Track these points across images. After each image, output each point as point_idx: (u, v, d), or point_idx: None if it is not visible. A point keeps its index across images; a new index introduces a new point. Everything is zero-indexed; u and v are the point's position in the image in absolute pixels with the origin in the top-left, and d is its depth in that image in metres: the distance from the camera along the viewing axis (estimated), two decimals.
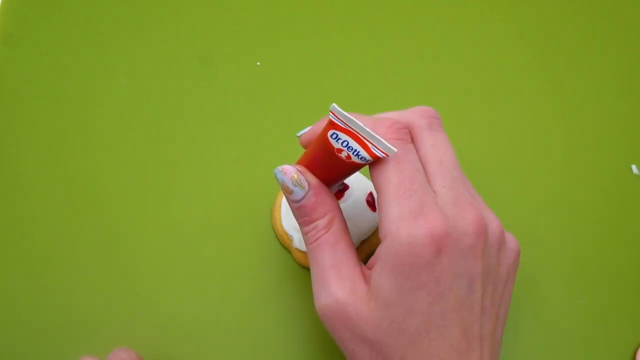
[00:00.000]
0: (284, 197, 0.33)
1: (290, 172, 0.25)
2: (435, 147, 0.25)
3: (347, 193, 0.33)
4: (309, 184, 0.25)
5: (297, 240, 0.32)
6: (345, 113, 0.22)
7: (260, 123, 0.38)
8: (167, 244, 0.33)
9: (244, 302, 0.32)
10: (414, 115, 0.26)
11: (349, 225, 0.32)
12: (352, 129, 0.23)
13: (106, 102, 0.39)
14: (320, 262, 0.25)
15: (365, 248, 0.32)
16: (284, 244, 0.33)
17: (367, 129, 0.22)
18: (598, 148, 0.37)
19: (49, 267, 0.33)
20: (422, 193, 0.23)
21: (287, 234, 0.32)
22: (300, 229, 0.26)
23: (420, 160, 0.24)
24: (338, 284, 0.24)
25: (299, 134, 0.28)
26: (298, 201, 0.25)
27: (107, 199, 0.35)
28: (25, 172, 0.36)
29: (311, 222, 0.25)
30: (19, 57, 0.41)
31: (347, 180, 0.33)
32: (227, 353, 0.31)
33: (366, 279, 0.24)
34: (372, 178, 0.24)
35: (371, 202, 0.33)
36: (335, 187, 0.29)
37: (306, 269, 0.33)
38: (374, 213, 0.33)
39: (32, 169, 0.36)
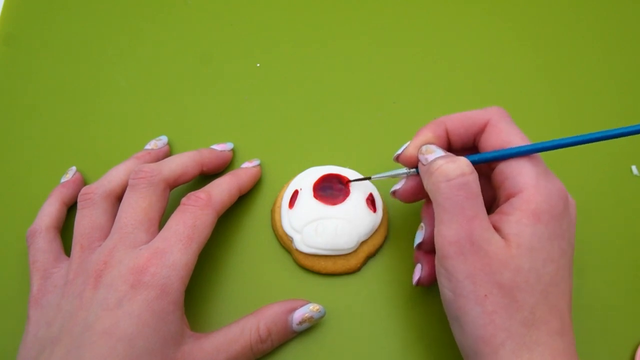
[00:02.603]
0: (283, 197, 0.33)
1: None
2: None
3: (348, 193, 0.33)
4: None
5: (297, 241, 0.32)
6: None
7: (260, 123, 0.38)
8: None
9: (244, 303, 0.32)
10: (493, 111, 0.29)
11: (348, 225, 0.32)
12: None
13: (106, 102, 0.39)
14: (467, 208, 0.25)
15: (365, 249, 0.32)
16: (284, 245, 0.33)
17: None
18: (598, 148, 0.37)
19: None
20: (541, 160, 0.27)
21: (287, 234, 0.32)
22: (436, 167, 0.26)
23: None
24: (481, 227, 0.25)
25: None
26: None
27: None
28: (25, 173, 0.36)
29: (455, 160, 0.26)
30: (19, 57, 0.41)
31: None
32: None
33: (497, 229, 0.25)
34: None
35: (371, 202, 0.33)
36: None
37: (306, 269, 0.33)
38: (374, 213, 0.33)
39: (32, 169, 0.36)
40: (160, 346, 0.25)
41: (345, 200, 0.32)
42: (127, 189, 0.30)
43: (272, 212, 0.34)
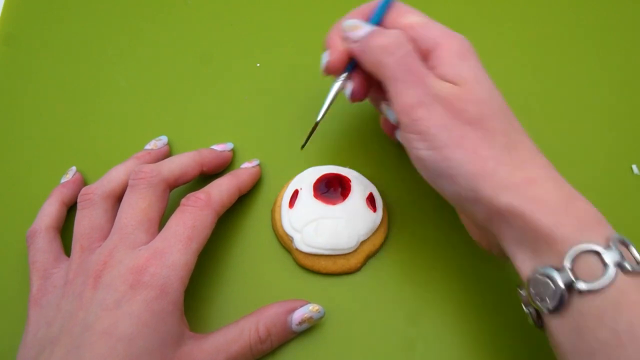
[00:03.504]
0: (284, 197, 0.33)
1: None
2: None
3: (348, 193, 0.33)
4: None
5: (297, 240, 0.32)
6: None
7: (260, 124, 0.38)
8: None
9: (244, 303, 0.32)
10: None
11: (348, 225, 0.32)
12: None
13: (106, 102, 0.39)
14: (415, 70, 0.27)
15: (365, 249, 0.32)
16: (284, 245, 0.33)
17: None
18: (598, 148, 0.37)
19: None
20: None
21: (287, 234, 0.32)
22: (376, 47, 0.28)
23: None
24: (433, 80, 0.26)
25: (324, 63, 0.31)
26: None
27: None
28: (25, 173, 0.36)
29: (390, 34, 0.28)
30: (19, 57, 0.41)
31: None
32: None
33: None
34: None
35: (371, 202, 0.33)
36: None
37: (306, 269, 0.33)
38: (374, 213, 0.33)
39: (32, 169, 0.36)
40: (160, 346, 0.25)
41: (345, 200, 0.32)
42: (127, 189, 0.30)
43: (272, 212, 0.34)
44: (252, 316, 0.29)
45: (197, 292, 0.32)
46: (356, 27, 0.29)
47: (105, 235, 0.29)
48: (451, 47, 0.27)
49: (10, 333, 0.30)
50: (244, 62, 0.40)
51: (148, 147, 0.35)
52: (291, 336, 0.30)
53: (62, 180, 0.34)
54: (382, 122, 0.34)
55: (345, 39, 0.30)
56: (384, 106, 0.30)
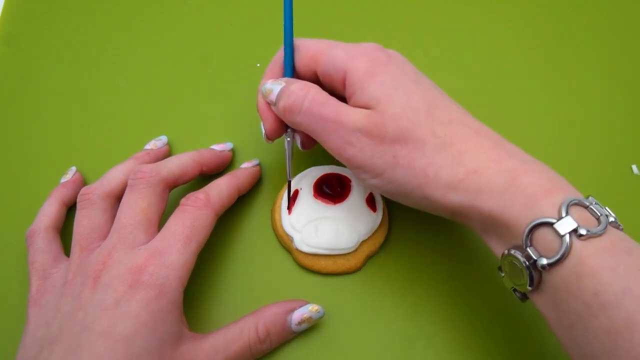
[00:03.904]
0: (284, 197, 0.33)
1: (269, 80, 0.31)
2: None
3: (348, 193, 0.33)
4: (284, 80, 0.30)
5: (297, 240, 0.32)
6: None
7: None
8: None
9: (244, 303, 0.32)
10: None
11: (349, 225, 0.32)
12: None
13: (106, 102, 0.39)
14: (328, 109, 0.27)
15: (366, 249, 0.32)
16: (284, 245, 0.33)
17: None
18: (598, 148, 0.37)
19: None
20: None
21: (287, 234, 0.32)
22: (286, 112, 0.29)
23: None
24: (347, 116, 0.27)
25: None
26: (279, 92, 0.29)
27: None
28: (25, 173, 0.36)
29: (292, 95, 0.28)
30: (19, 57, 0.41)
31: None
32: None
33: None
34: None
35: (371, 202, 0.33)
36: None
37: (306, 269, 0.33)
38: (374, 213, 0.33)
39: (32, 169, 0.36)
40: (158, 346, 0.25)
41: (346, 200, 0.32)
42: (127, 189, 0.30)
43: (272, 212, 0.34)
44: (251, 316, 0.29)
45: (197, 292, 0.32)
46: (269, 92, 0.30)
47: (105, 235, 0.29)
48: (356, 70, 0.27)
49: (10, 333, 0.30)
50: (244, 62, 0.40)
51: (148, 147, 0.35)
52: (291, 336, 0.30)
53: (62, 180, 0.34)
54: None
55: (272, 106, 0.30)
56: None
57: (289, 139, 0.31)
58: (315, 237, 0.31)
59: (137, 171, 0.30)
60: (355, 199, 0.33)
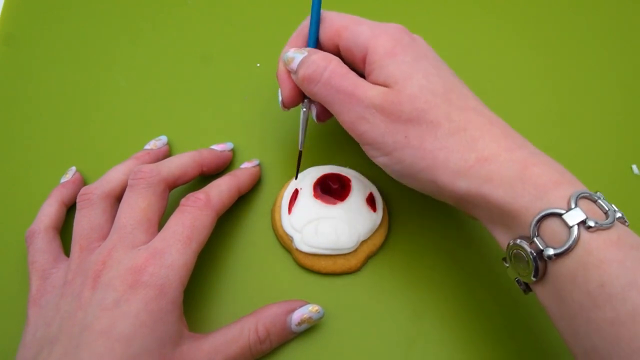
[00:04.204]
0: (284, 197, 0.33)
1: (291, 51, 0.31)
2: None
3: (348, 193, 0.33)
4: (307, 50, 0.30)
5: (297, 240, 0.32)
6: None
7: (260, 124, 0.38)
8: None
9: (244, 303, 0.32)
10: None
11: (348, 225, 0.32)
12: None
13: (106, 102, 0.39)
14: (347, 83, 0.28)
15: (366, 249, 0.32)
16: (284, 245, 0.33)
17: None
18: (598, 148, 0.37)
19: None
20: None
21: (287, 234, 0.32)
22: (305, 82, 0.29)
23: None
24: (364, 90, 0.27)
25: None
26: (299, 62, 0.29)
27: None
28: (26, 173, 0.36)
29: (314, 63, 0.29)
30: (19, 57, 0.41)
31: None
32: None
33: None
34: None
35: (371, 202, 0.33)
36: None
37: (306, 269, 0.33)
38: (374, 213, 0.33)
39: (32, 169, 0.36)
40: (158, 346, 0.25)
41: (346, 200, 0.32)
42: (127, 189, 0.30)
43: (272, 212, 0.34)
44: (251, 316, 0.29)
45: (197, 292, 0.32)
46: (291, 60, 0.30)
47: (105, 235, 0.29)
48: (377, 48, 0.27)
49: (10, 333, 0.30)
50: (244, 62, 0.40)
51: (148, 147, 0.35)
52: (291, 337, 0.30)
53: (62, 180, 0.34)
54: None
55: (291, 73, 0.30)
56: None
57: (304, 109, 0.31)
58: (315, 237, 0.31)
59: (137, 171, 0.30)
60: (355, 199, 0.33)
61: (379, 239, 0.33)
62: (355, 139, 0.28)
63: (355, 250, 0.32)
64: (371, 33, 0.28)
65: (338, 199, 0.33)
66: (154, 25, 0.42)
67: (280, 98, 0.31)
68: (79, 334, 0.25)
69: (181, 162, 0.32)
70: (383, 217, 0.33)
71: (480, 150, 0.25)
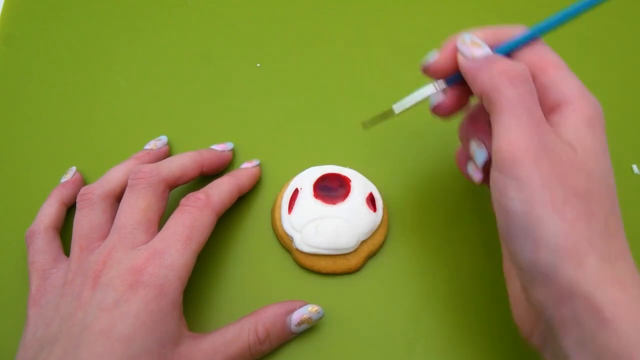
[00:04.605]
0: (284, 197, 0.33)
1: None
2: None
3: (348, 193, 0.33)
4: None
5: (298, 240, 0.32)
6: None
7: (260, 124, 0.38)
8: None
9: (244, 303, 0.32)
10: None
11: (349, 224, 0.32)
12: None
13: (106, 102, 0.39)
14: (532, 113, 0.24)
15: (365, 249, 0.32)
16: (285, 245, 0.33)
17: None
18: None
19: None
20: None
21: (287, 234, 0.32)
22: (496, 77, 0.24)
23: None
24: (549, 132, 0.23)
25: (428, 62, 0.28)
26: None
27: None
28: (25, 173, 0.36)
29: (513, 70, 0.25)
30: (19, 57, 0.41)
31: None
32: None
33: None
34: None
35: (371, 202, 0.33)
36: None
37: (306, 269, 0.33)
38: (374, 213, 0.33)
39: (32, 169, 0.36)
40: (158, 346, 0.25)
41: (346, 200, 0.32)
42: (127, 189, 0.30)
43: (272, 212, 0.34)
44: (250, 317, 0.29)
45: (197, 292, 0.32)
46: (475, 45, 0.26)
47: (105, 235, 0.29)
48: (583, 111, 0.24)
49: (10, 333, 0.30)
50: (244, 62, 0.40)
51: (147, 147, 0.35)
52: (290, 337, 0.30)
53: (62, 180, 0.34)
54: (457, 154, 0.31)
55: (459, 51, 0.26)
56: (473, 144, 0.27)
57: (435, 89, 0.28)
58: (315, 237, 0.31)
59: (137, 171, 0.30)
60: (356, 198, 0.33)
61: (379, 239, 0.33)
62: (498, 166, 0.24)
63: (355, 250, 0.32)
64: (579, 91, 0.25)
65: (338, 199, 0.33)
66: (154, 25, 0.42)
67: (429, 59, 0.27)
68: (78, 334, 0.25)
69: (181, 162, 0.32)
70: (383, 217, 0.33)
71: (619, 271, 0.22)
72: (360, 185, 0.33)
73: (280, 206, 0.33)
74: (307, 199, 0.33)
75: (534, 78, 0.25)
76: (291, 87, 0.39)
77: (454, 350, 0.30)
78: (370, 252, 0.33)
